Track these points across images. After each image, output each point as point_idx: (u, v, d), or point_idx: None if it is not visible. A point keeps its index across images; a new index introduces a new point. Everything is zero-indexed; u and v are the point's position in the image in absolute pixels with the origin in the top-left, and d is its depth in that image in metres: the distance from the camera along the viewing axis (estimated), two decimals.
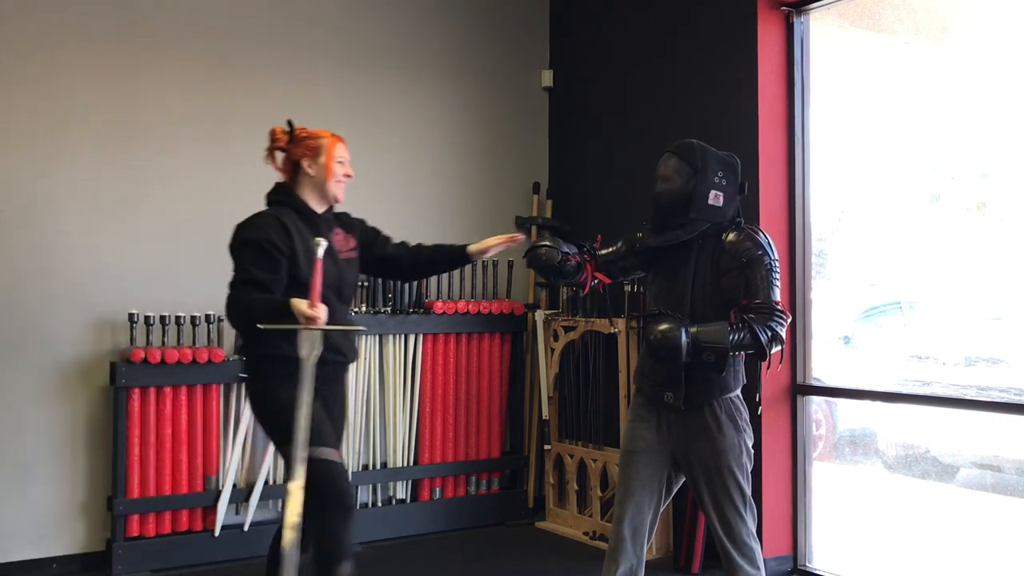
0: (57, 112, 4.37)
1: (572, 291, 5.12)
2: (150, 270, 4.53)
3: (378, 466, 4.95)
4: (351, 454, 4.82)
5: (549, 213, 5.57)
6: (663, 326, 2.90)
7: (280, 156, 3.28)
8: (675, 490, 3.17)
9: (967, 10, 4.33)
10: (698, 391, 3.01)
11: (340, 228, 3.28)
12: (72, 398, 4.37)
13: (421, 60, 5.32)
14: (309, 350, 2.94)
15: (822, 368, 4.41)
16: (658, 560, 4.46)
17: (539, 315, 5.33)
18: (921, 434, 4.84)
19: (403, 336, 4.98)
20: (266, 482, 4.62)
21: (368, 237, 3.40)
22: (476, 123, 5.51)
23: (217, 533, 4.49)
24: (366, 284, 4.85)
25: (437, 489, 5.11)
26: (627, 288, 4.73)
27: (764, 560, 3.07)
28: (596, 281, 3.35)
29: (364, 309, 4.82)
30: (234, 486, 4.52)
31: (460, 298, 5.18)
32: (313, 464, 2.95)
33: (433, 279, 5.13)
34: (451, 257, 3.51)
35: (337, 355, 3.14)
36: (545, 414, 5.28)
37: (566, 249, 3.26)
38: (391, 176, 5.18)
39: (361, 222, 3.42)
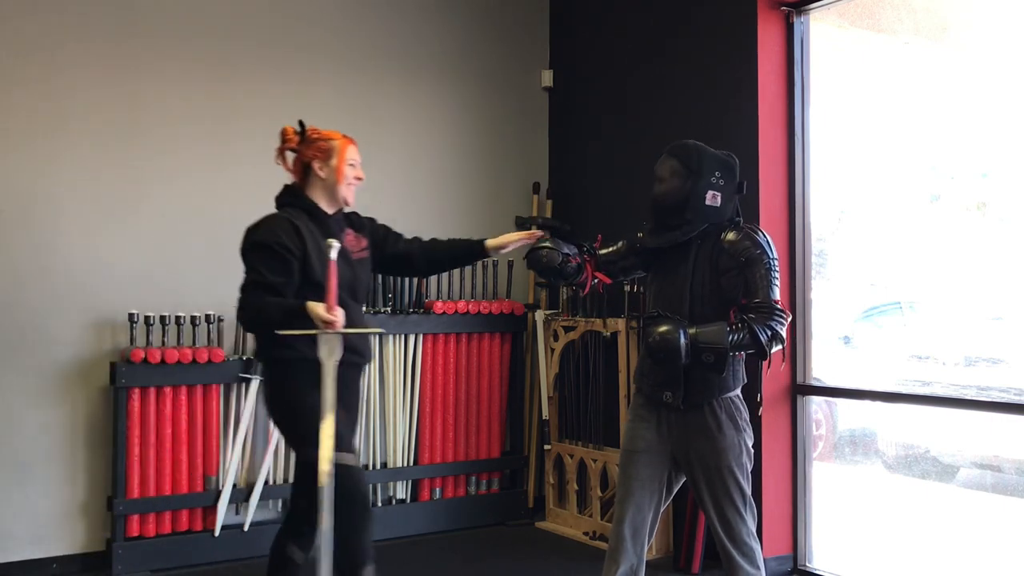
0: (57, 112, 4.37)
1: (572, 291, 5.12)
2: (150, 270, 4.53)
3: (378, 466, 4.95)
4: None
5: (549, 213, 5.57)
6: (662, 328, 2.90)
7: (291, 156, 3.25)
8: (675, 490, 3.17)
9: (967, 10, 4.33)
10: (698, 391, 3.01)
11: (351, 229, 3.27)
12: (72, 398, 4.37)
13: (421, 60, 5.32)
14: (329, 354, 2.92)
15: (822, 368, 4.41)
16: (658, 560, 4.46)
17: (539, 315, 5.33)
18: (921, 434, 4.84)
19: (403, 336, 4.98)
20: (266, 482, 4.62)
21: (379, 236, 3.38)
22: (476, 123, 5.51)
23: (217, 533, 4.49)
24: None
25: (437, 489, 5.11)
26: (627, 288, 4.73)
27: (764, 560, 3.07)
28: (596, 281, 3.34)
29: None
30: (234, 486, 4.52)
31: (460, 298, 5.18)
32: (337, 469, 2.93)
33: (433, 279, 5.14)
34: (467, 251, 3.48)
35: (355, 356, 3.12)
36: (545, 414, 5.28)
37: (566, 250, 3.25)
38: (391, 176, 5.18)
39: (371, 221, 3.40)
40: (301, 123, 3.25)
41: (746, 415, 3.06)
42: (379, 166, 5.10)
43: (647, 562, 3.12)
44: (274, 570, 3.27)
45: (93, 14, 4.46)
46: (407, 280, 5.04)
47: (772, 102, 4.38)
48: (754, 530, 3.02)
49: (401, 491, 5.03)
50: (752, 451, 3.05)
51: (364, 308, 3.47)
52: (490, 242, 3.41)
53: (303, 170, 3.21)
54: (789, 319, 3.02)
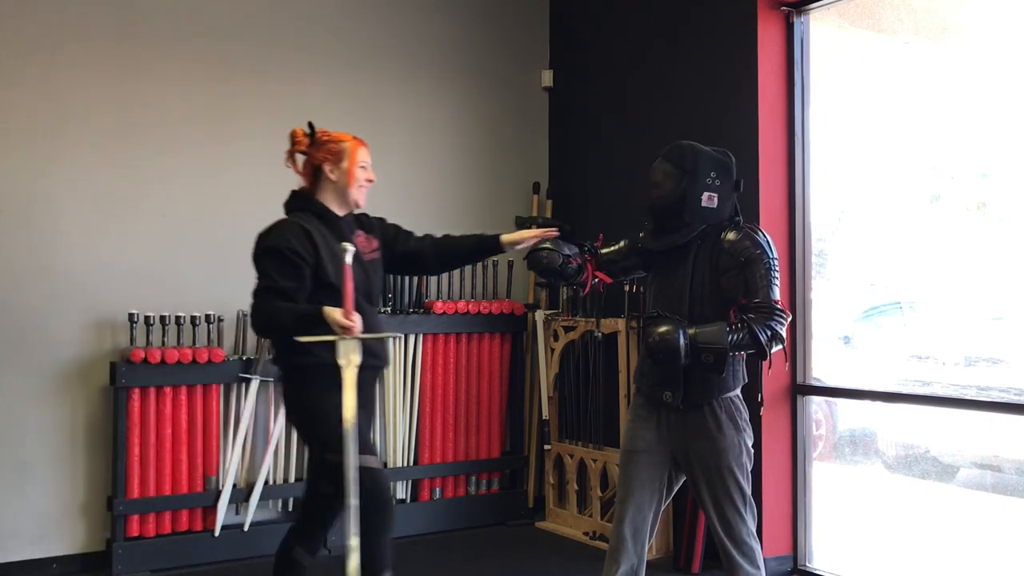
0: (57, 112, 4.37)
1: (572, 291, 5.12)
2: (150, 270, 4.53)
3: None
4: None
5: (549, 213, 5.57)
6: (661, 328, 2.90)
7: (300, 159, 3.23)
8: (676, 489, 3.18)
9: (967, 10, 4.33)
10: (697, 391, 3.01)
11: (361, 230, 3.25)
12: (72, 398, 4.37)
13: (421, 60, 5.32)
14: (349, 361, 2.91)
15: (822, 368, 4.41)
16: (658, 560, 4.45)
17: (539, 315, 5.33)
18: (921, 434, 4.84)
19: (403, 336, 4.97)
20: (266, 482, 4.62)
21: (389, 236, 3.35)
22: (476, 123, 5.51)
23: (217, 533, 4.49)
24: None
25: (437, 489, 5.11)
26: (627, 288, 4.73)
27: (764, 560, 3.07)
28: (597, 280, 3.34)
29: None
30: (234, 486, 4.53)
31: (460, 298, 5.18)
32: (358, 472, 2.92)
33: (433, 278, 5.13)
34: (480, 247, 3.45)
35: (373, 359, 3.10)
36: (545, 414, 5.28)
37: (567, 251, 3.25)
38: (391, 176, 5.17)
39: (380, 221, 3.38)
40: (310, 125, 3.22)
41: (746, 415, 3.06)
42: (378, 166, 5.04)
43: (647, 562, 3.12)
44: (280, 571, 3.26)
45: (93, 14, 4.46)
46: (407, 280, 5.04)
47: (772, 102, 4.38)
48: (754, 530, 3.02)
49: (401, 491, 5.02)
50: (752, 451, 3.05)
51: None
52: (505, 237, 3.38)
53: (313, 173, 3.19)
54: (789, 319, 3.02)
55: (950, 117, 4.39)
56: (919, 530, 4.68)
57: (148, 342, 4.37)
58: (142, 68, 4.56)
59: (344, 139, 3.20)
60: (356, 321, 2.89)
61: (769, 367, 3.09)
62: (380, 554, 3.02)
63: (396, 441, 4.96)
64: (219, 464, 4.54)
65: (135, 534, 4.35)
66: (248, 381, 4.58)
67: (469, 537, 5.00)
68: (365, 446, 3.01)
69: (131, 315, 4.33)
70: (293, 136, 3.22)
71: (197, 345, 4.50)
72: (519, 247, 3.39)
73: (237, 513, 4.60)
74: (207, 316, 4.54)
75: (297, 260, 3.00)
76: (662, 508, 3.13)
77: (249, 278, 4.69)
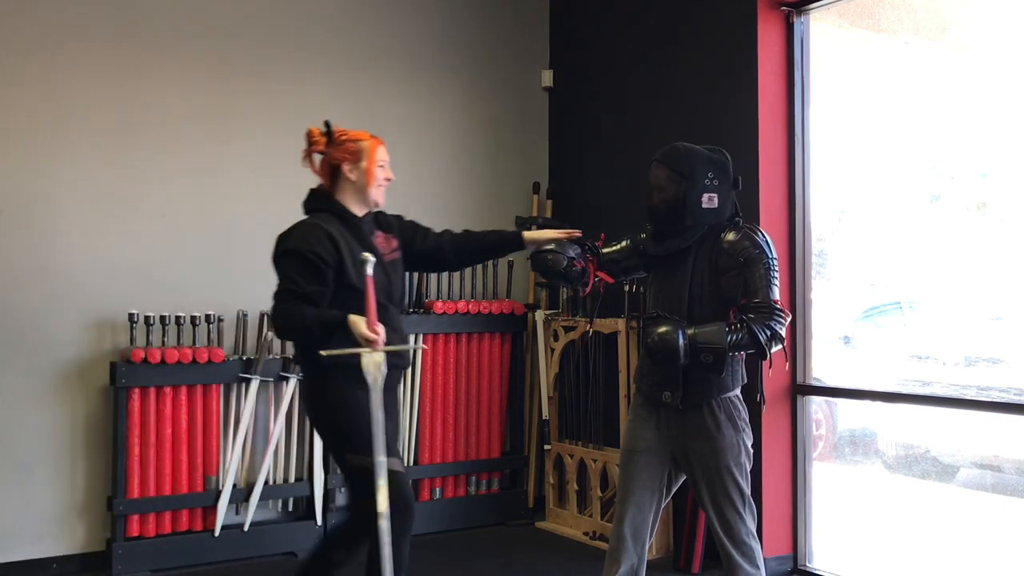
0: (57, 112, 4.37)
1: (572, 291, 5.11)
2: (150, 270, 4.53)
3: None
4: None
5: (549, 213, 5.57)
6: (661, 328, 2.90)
7: (318, 158, 3.19)
8: (675, 489, 3.18)
9: (967, 10, 4.33)
10: (696, 391, 3.01)
11: (380, 230, 3.21)
12: (72, 398, 4.37)
13: (421, 60, 5.32)
14: (375, 373, 2.89)
15: (822, 368, 4.41)
16: (658, 560, 4.45)
17: (539, 315, 5.33)
18: (921, 434, 4.84)
19: None
20: (266, 482, 4.62)
21: (408, 234, 3.32)
22: (476, 123, 5.51)
23: (217, 533, 4.49)
24: None
25: (437, 489, 5.10)
26: (627, 288, 4.73)
27: (764, 560, 3.07)
28: (598, 280, 3.34)
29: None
30: (234, 486, 4.53)
31: (460, 298, 5.18)
32: (370, 473, 2.91)
33: (433, 279, 5.14)
34: (502, 244, 3.42)
35: (395, 358, 3.07)
36: (545, 414, 5.28)
37: (572, 254, 3.24)
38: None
39: (398, 219, 3.34)
40: (327, 124, 3.17)
41: (745, 415, 3.06)
42: None
43: (647, 562, 3.12)
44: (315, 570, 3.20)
45: (93, 14, 4.46)
46: (407, 279, 5.03)
47: (772, 102, 4.38)
48: (754, 530, 3.02)
49: None
50: (751, 451, 3.05)
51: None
52: (528, 235, 3.35)
53: (331, 172, 3.14)
54: (788, 319, 3.02)
55: (950, 117, 4.39)
56: (919, 530, 4.68)
57: (148, 342, 4.37)
58: (142, 68, 4.56)
59: (362, 138, 3.16)
60: (380, 333, 2.87)
61: (769, 367, 3.09)
62: (399, 556, 3.01)
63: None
64: (219, 464, 4.54)
65: (135, 534, 4.35)
66: (248, 381, 4.58)
67: (469, 537, 5.00)
68: (389, 449, 2.97)
69: (131, 315, 4.33)
70: (310, 135, 3.17)
71: (197, 345, 4.50)
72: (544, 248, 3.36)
73: (237, 513, 4.60)
74: (207, 316, 4.53)
75: (319, 263, 2.96)
76: (662, 508, 3.13)
77: (249, 278, 4.73)
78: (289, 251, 3.01)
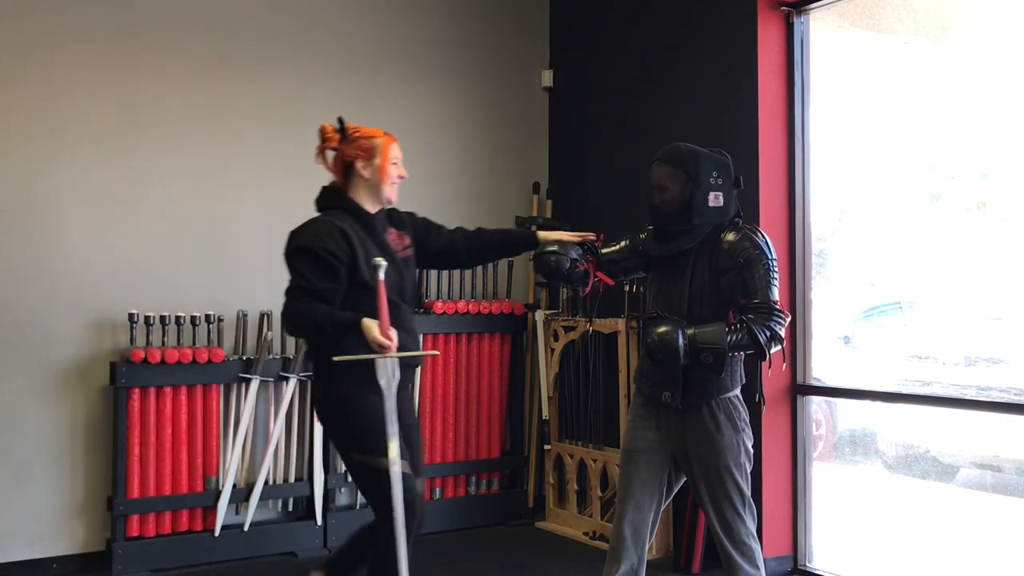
0: (57, 112, 4.37)
1: (572, 291, 5.11)
2: (150, 270, 4.53)
3: None
4: None
5: (549, 213, 5.57)
6: (661, 329, 2.90)
7: (331, 155, 3.16)
8: (676, 489, 3.18)
9: (967, 10, 4.33)
10: (696, 391, 3.01)
11: (393, 227, 3.20)
12: (72, 398, 4.37)
13: (421, 60, 5.32)
14: (387, 378, 2.89)
15: (822, 368, 4.41)
16: (658, 560, 4.45)
17: (539, 315, 5.33)
18: (921, 434, 4.84)
19: None
20: (266, 482, 4.62)
21: (421, 232, 3.30)
22: (476, 123, 5.51)
23: (217, 533, 4.49)
24: None
25: (437, 489, 5.10)
26: (627, 288, 4.73)
27: (764, 560, 3.07)
28: (597, 280, 3.34)
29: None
30: (234, 486, 4.53)
31: (460, 298, 5.18)
32: (381, 475, 2.91)
33: (433, 279, 5.14)
34: (516, 243, 3.41)
35: (406, 359, 3.04)
36: (545, 414, 5.28)
37: (574, 255, 3.24)
38: None
39: (411, 216, 3.33)
40: (340, 120, 3.16)
41: (745, 415, 3.06)
42: None
43: (647, 562, 3.12)
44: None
45: (93, 14, 4.46)
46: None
47: (772, 102, 4.38)
48: (753, 530, 3.02)
49: None
50: (751, 451, 3.05)
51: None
52: (543, 234, 3.34)
53: (344, 169, 3.13)
54: (788, 320, 3.02)
55: (950, 117, 4.39)
56: (919, 530, 4.68)
57: (148, 342, 4.37)
58: (142, 68, 4.56)
59: (376, 135, 3.15)
60: (393, 338, 2.86)
61: (768, 368, 3.09)
62: (396, 563, 2.99)
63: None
64: (219, 464, 4.54)
65: (135, 534, 4.35)
66: (248, 381, 4.58)
67: (469, 537, 5.00)
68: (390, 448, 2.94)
69: (131, 315, 4.33)
70: (323, 132, 3.15)
71: (197, 345, 4.50)
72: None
73: (237, 513, 4.60)
74: (207, 316, 4.54)
75: (332, 261, 2.94)
76: (662, 508, 3.13)
77: (249, 278, 4.74)
78: (301, 248, 2.98)
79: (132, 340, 4.36)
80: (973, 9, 4.29)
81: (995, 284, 4.29)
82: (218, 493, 4.50)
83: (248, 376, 4.56)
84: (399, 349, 2.94)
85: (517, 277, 5.46)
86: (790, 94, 4.41)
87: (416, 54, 5.31)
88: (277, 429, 4.63)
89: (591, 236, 3.35)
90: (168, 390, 4.40)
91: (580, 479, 5.07)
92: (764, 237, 3.03)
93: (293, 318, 2.96)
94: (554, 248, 3.25)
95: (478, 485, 5.27)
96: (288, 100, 4.89)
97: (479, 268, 5.25)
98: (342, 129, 3.13)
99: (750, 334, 2.90)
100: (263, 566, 4.51)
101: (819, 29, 4.45)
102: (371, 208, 3.12)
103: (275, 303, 4.63)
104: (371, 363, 2.89)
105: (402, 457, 3.02)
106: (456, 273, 5.15)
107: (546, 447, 5.27)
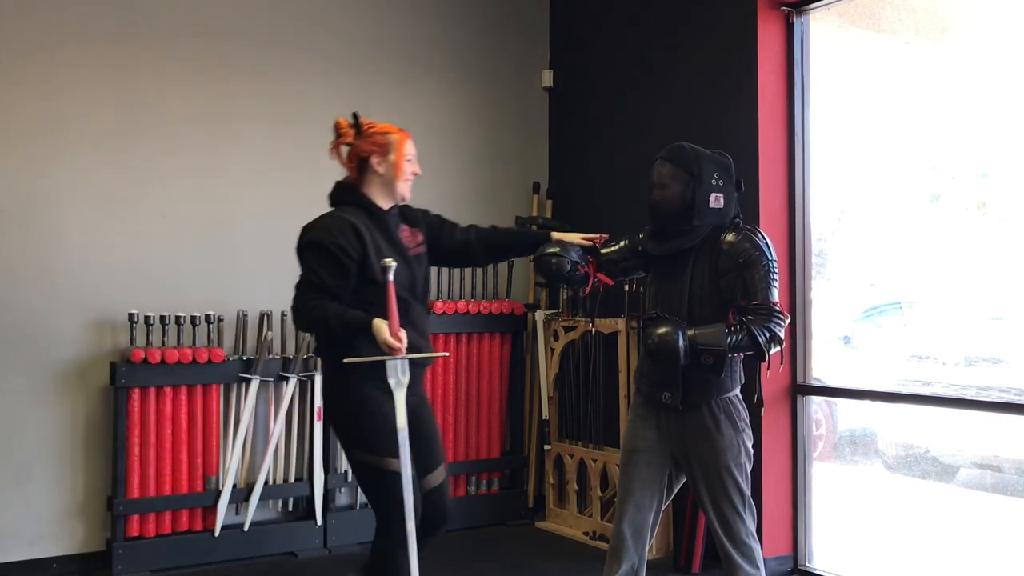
0: (57, 112, 4.37)
1: (572, 291, 5.11)
2: (150, 270, 4.53)
3: None
4: None
5: (549, 213, 5.57)
6: (661, 330, 2.90)
7: (345, 151, 3.14)
8: (676, 489, 3.18)
9: (967, 10, 4.33)
10: (696, 392, 3.01)
11: (406, 224, 3.18)
12: (72, 398, 4.37)
13: (420, 61, 5.32)
14: (396, 380, 2.88)
15: (822, 368, 4.41)
16: (658, 560, 4.45)
17: (539, 315, 5.33)
18: (921, 434, 4.84)
19: None
20: (266, 482, 4.62)
21: (434, 230, 3.28)
22: (476, 123, 5.51)
23: (217, 533, 4.49)
24: None
25: None
26: (627, 288, 4.73)
27: (764, 560, 3.07)
28: (597, 281, 3.34)
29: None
30: (234, 486, 4.53)
31: (460, 298, 5.18)
32: (384, 476, 2.91)
33: (433, 279, 5.13)
34: (531, 243, 3.39)
35: (414, 352, 3.01)
36: (545, 414, 5.28)
37: (575, 257, 3.24)
38: None
39: (424, 213, 3.31)
40: (355, 115, 3.14)
41: (745, 415, 3.06)
42: None
43: (647, 562, 3.12)
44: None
45: (93, 14, 4.46)
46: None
47: (772, 102, 4.38)
48: (753, 530, 3.02)
49: None
50: (751, 451, 3.05)
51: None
52: (557, 235, 3.33)
53: (359, 165, 3.10)
54: (787, 321, 3.02)
55: (950, 117, 4.39)
56: (919, 530, 4.68)
57: (148, 342, 4.37)
58: (142, 68, 4.56)
59: (391, 131, 3.13)
60: (403, 340, 2.85)
61: (767, 369, 3.09)
62: (396, 567, 2.99)
63: None
64: (219, 464, 4.54)
65: (135, 534, 4.35)
66: (248, 381, 4.58)
67: (469, 537, 5.00)
68: (394, 448, 2.93)
69: (131, 315, 4.33)
70: (337, 127, 3.13)
71: (197, 345, 4.50)
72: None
73: (237, 513, 4.60)
74: (207, 316, 4.53)
75: (343, 257, 2.92)
76: (663, 508, 3.13)
77: (249, 278, 4.74)
78: (313, 242, 2.97)
79: (132, 340, 4.36)
80: (973, 9, 4.29)
81: (995, 284, 4.29)
82: (218, 493, 4.50)
83: (248, 376, 4.56)
84: (409, 348, 2.93)
85: (517, 277, 5.46)
86: (790, 94, 4.41)
87: (416, 54, 5.31)
88: (277, 429, 4.63)
89: (602, 238, 3.34)
90: (168, 390, 4.40)
91: (580, 479, 5.07)
92: (764, 238, 3.03)
93: (302, 313, 2.94)
94: (555, 250, 3.24)
95: (478, 485, 5.27)
96: (288, 100, 4.89)
97: (478, 268, 5.25)
98: (356, 124, 3.11)
99: (750, 335, 2.90)
100: (263, 566, 4.51)
101: (819, 29, 4.45)
102: (384, 204, 3.11)
103: (275, 303, 4.69)
104: (381, 363, 2.88)
105: (433, 467, 3.05)
106: (456, 273, 5.15)
107: (546, 447, 5.27)
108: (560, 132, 5.69)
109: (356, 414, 2.99)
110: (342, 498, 4.89)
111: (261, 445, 4.67)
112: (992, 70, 4.26)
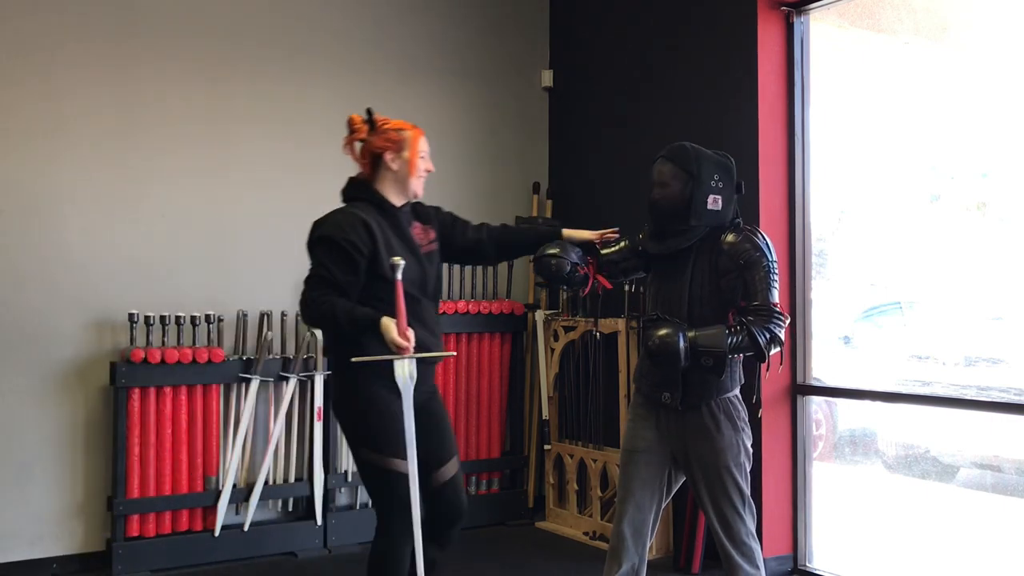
0: (57, 112, 4.37)
1: (572, 291, 5.11)
2: (150, 270, 4.53)
3: None
4: (349, 455, 4.81)
5: (549, 213, 5.57)
6: (661, 331, 2.89)
7: (359, 146, 3.12)
8: (676, 489, 3.18)
9: (967, 10, 4.33)
10: (696, 392, 3.01)
11: (418, 221, 3.17)
12: (72, 398, 4.37)
13: (420, 61, 5.32)
14: (404, 379, 2.88)
15: (822, 368, 4.41)
16: (658, 560, 4.45)
17: (539, 315, 5.33)
18: (921, 434, 4.84)
19: None
20: (266, 482, 4.62)
21: (447, 227, 3.28)
22: (476, 123, 5.51)
23: (217, 533, 4.49)
24: None
25: None
26: (627, 288, 4.73)
27: (764, 560, 3.07)
28: (597, 283, 3.34)
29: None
30: (234, 486, 4.53)
31: (460, 298, 5.18)
32: (388, 475, 2.91)
33: None
34: (542, 241, 3.37)
35: (423, 351, 3.00)
36: (545, 414, 5.28)
37: (575, 258, 3.24)
38: None
39: (437, 210, 3.30)
40: (369, 111, 3.13)
41: (744, 415, 3.06)
42: None
43: (647, 562, 3.12)
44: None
45: (93, 14, 4.46)
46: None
47: (772, 102, 4.38)
48: (753, 530, 3.02)
49: None
50: (751, 451, 3.05)
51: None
52: (567, 232, 3.33)
53: (372, 161, 3.09)
54: (787, 322, 3.02)
55: (950, 117, 4.39)
56: (919, 530, 4.68)
57: (148, 342, 4.37)
58: (142, 68, 4.56)
59: (405, 127, 3.13)
60: (411, 339, 2.84)
61: (767, 369, 3.09)
62: (397, 569, 2.99)
63: None
64: (219, 464, 4.54)
65: (135, 534, 4.35)
66: (248, 381, 4.58)
67: (469, 537, 4.97)
68: (399, 449, 2.93)
69: (131, 315, 4.33)
70: (351, 123, 3.11)
71: (197, 345, 4.50)
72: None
73: (237, 513, 4.60)
74: (207, 316, 4.53)
75: (353, 253, 2.92)
76: (662, 507, 3.13)
77: (249, 278, 4.74)
78: (324, 238, 2.96)
79: (132, 340, 4.36)
80: (973, 9, 4.29)
81: (995, 284, 4.29)
82: (218, 493, 4.50)
83: (248, 376, 4.56)
84: (418, 346, 2.92)
85: (517, 277, 5.46)
86: (790, 94, 4.41)
87: (416, 54, 5.31)
88: (277, 429, 4.63)
89: (613, 234, 3.34)
90: (168, 390, 4.40)
91: (580, 479, 5.07)
92: (764, 239, 3.03)
93: (311, 309, 2.93)
94: (554, 251, 3.24)
95: (478, 485, 5.27)
96: (288, 100, 4.89)
97: (479, 268, 5.25)
98: (371, 120, 3.10)
99: (750, 336, 2.90)
100: (263, 566, 4.51)
101: (819, 29, 4.45)
102: (397, 201, 3.10)
103: (275, 303, 4.69)
104: (389, 362, 2.88)
105: (445, 460, 3.04)
106: (456, 273, 5.15)
107: (546, 447, 5.27)
108: (560, 132, 5.69)
109: (364, 413, 2.98)
110: (342, 498, 4.89)
111: (261, 445, 4.67)
112: (992, 70, 4.26)
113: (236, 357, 4.59)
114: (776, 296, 2.99)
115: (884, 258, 4.66)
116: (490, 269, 5.29)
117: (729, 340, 2.88)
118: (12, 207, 4.28)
